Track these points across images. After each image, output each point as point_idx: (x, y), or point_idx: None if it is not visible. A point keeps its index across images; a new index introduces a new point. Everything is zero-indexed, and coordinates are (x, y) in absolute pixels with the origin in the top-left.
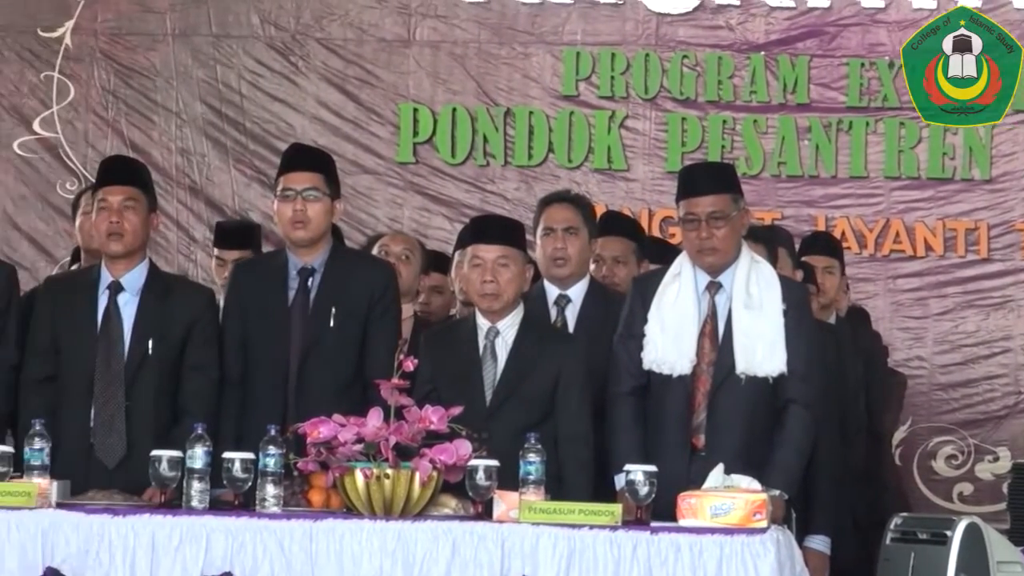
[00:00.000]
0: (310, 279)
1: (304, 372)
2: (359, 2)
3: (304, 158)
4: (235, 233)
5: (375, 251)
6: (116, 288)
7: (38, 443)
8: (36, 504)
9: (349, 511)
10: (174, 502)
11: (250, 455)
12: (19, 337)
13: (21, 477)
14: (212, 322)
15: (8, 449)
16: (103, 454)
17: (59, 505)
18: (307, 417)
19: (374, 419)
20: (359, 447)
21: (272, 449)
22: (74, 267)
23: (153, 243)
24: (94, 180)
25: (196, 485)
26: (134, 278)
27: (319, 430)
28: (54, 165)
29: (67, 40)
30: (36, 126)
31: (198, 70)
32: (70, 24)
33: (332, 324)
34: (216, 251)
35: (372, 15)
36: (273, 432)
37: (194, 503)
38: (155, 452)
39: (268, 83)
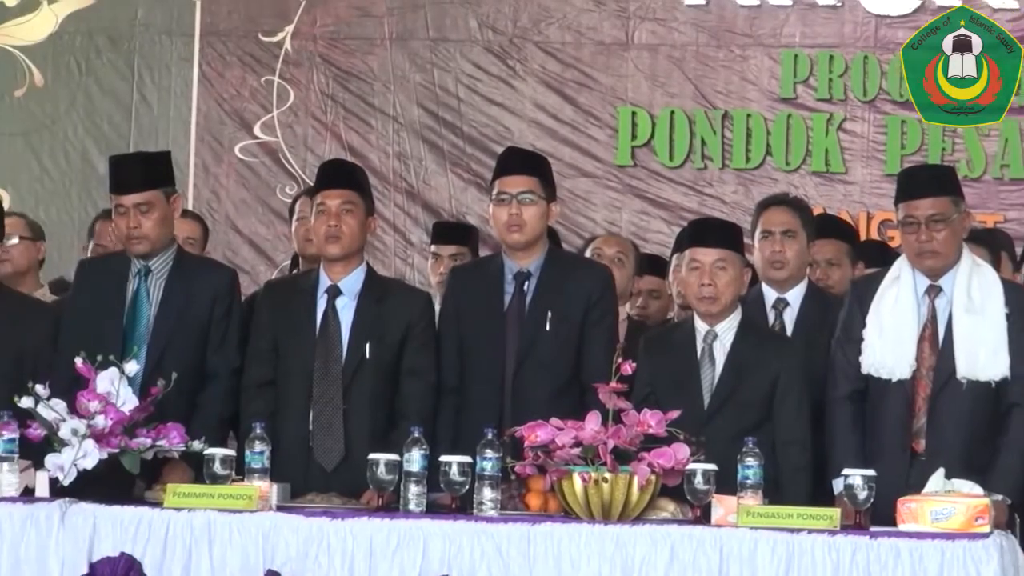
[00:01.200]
0: (526, 283)
1: (520, 376)
2: (577, 5)
3: (520, 161)
4: (452, 230)
5: (588, 253)
6: (334, 292)
7: (258, 446)
8: (257, 507)
9: (567, 515)
10: (391, 505)
11: (467, 458)
12: (240, 341)
13: (242, 480)
14: (429, 326)
15: (230, 452)
16: (321, 457)
17: (279, 508)
18: (523, 421)
19: (592, 423)
20: (577, 451)
21: (489, 452)
22: (293, 271)
23: (370, 247)
24: (312, 184)
25: (413, 488)
26: (352, 282)
27: (537, 434)
28: (274, 169)
29: (287, 45)
30: (257, 130)
31: (415, 74)
32: (290, 29)
33: (548, 328)
34: (433, 247)
35: (590, 18)
36: (490, 435)
37: (411, 506)
38: (372, 455)
39: (485, 87)
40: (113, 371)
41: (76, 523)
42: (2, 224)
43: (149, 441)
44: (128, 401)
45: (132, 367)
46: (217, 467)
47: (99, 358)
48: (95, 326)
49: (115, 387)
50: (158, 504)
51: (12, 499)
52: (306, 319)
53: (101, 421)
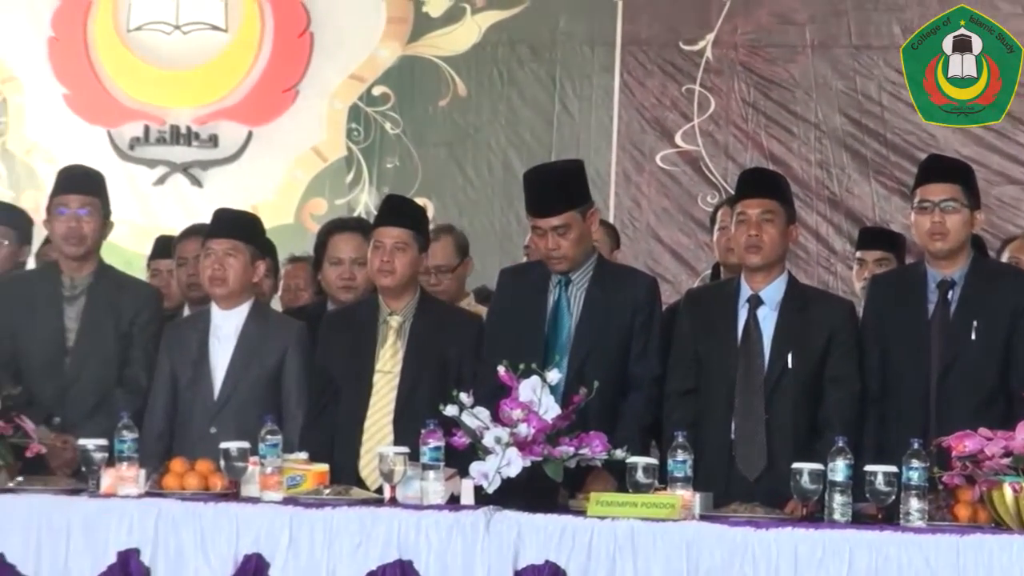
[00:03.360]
0: (950, 292)
1: (944, 386)
2: (1004, 10)
3: (942, 169)
4: (879, 235)
5: (1004, 258)
6: (756, 301)
7: (680, 455)
8: (680, 516)
9: (997, 526)
10: (815, 515)
11: (893, 468)
12: (661, 350)
13: (664, 489)
14: (852, 334)
15: (652, 460)
16: (744, 466)
17: (702, 517)
18: (948, 431)
19: (1023, 432)
20: (1007, 461)
21: (916, 463)
22: (714, 281)
23: (792, 255)
24: (733, 193)
25: (838, 498)
26: (773, 291)
27: (965, 444)
28: (695, 178)
29: (708, 53)
30: (678, 139)
31: (837, 81)
32: (711, 37)
33: (973, 338)
34: (858, 253)
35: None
36: (916, 446)
37: (836, 516)
38: (796, 465)
39: (909, 94)
40: (535, 380)
41: (501, 531)
42: (427, 233)
43: (572, 449)
44: (550, 410)
45: (554, 376)
46: (640, 476)
47: (521, 367)
48: (517, 335)
49: (537, 395)
50: (581, 513)
51: (439, 507)
52: (727, 328)
53: (524, 429)
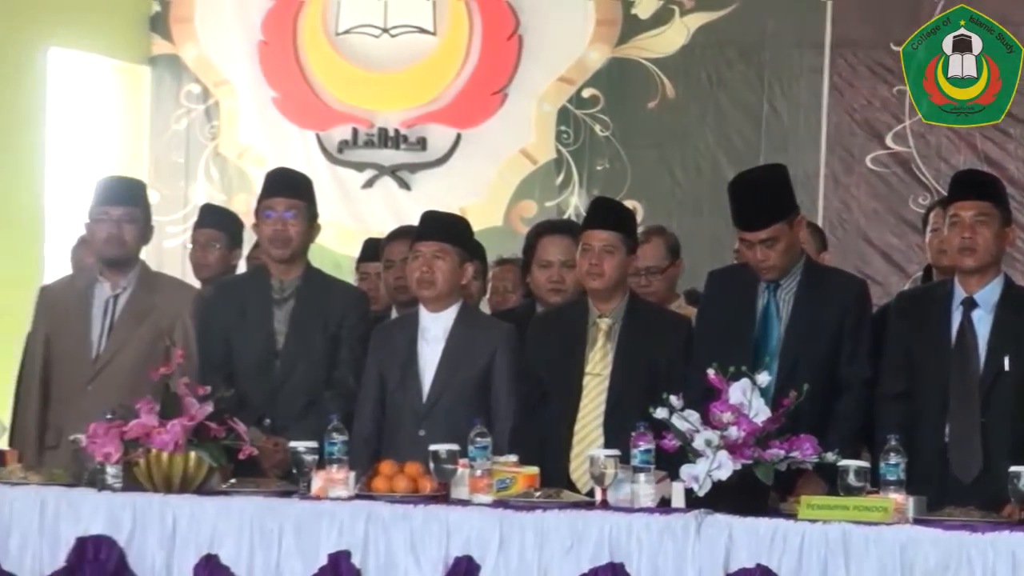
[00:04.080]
0: None
1: None
2: None
3: None
4: None
5: None
6: (970, 304)
7: (893, 458)
8: (893, 520)
9: None
10: None
11: None
12: (872, 352)
13: (876, 492)
14: None
15: (864, 464)
16: (959, 470)
17: (915, 521)
18: None
19: None
20: None
21: None
22: (923, 284)
23: (1009, 258)
24: (945, 195)
25: None
26: (988, 294)
27: None
28: (906, 180)
29: None
30: (888, 140)
31: None
32: None
33: None
34: None
35: None
36: None
37: None
38: (1013, 468)
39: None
40: (745, 382)
41: (712, 534)
42: (635, 236)
43: (782, 452)
44: (760, 412)
45: (764, 378)
46: (851, 479)
47: (731, 369)
48: (726, 338)
49: (747, 398)
50: (792, 516)
51: (650, 510)
52: (941, 331)
53: (734, 432)
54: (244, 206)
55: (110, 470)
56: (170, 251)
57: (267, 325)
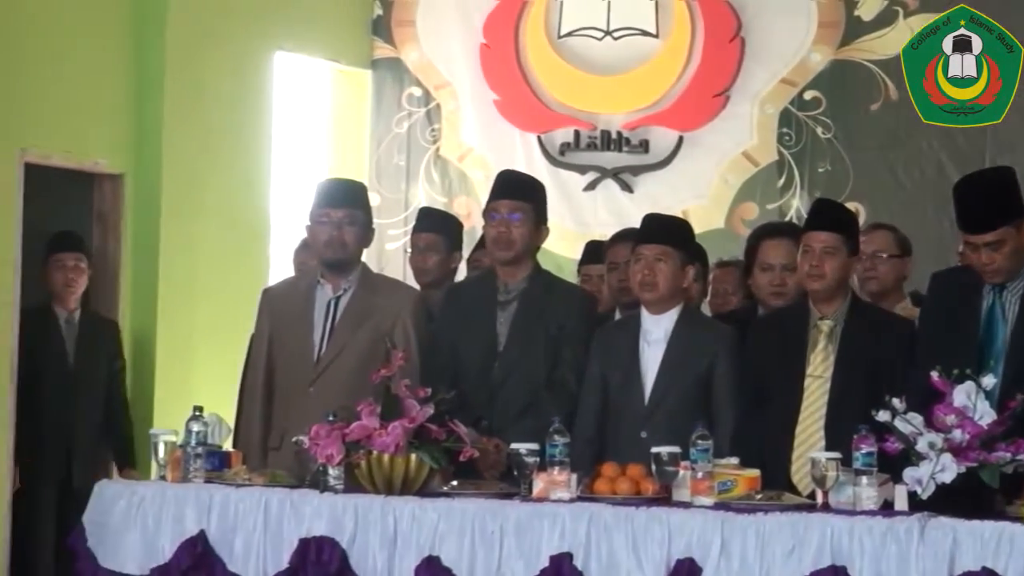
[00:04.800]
0: None
1: None
2: None
3: None
4: None
5: None
6: None
7: None
8: None
9: None
10: None
11: None
12: None
13: None
14: None
15: None
16: None
17: None
18: None
19: None
20: None
21: None
22: None
23: None
24: None
25: None
26: None
27: None
28: None
29: None
30: None
31: None
32: None
33: None
34: None
35: None
36: None
37: None
38: None
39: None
40: (970, 385)
41: (936, 537)
42: (857, 237)
43: (1008, 455)
44: (985, 415)
45: (989, 381)
46: None
47: (955, 372)
48: (949, 340)
49: (972, 401)
50: (1020, 519)
51: (872, 513)
52: None
53: (958, 435)
54: (465, 209)
55: (332, 472)
56: (391, 253)
57: (490, 327)
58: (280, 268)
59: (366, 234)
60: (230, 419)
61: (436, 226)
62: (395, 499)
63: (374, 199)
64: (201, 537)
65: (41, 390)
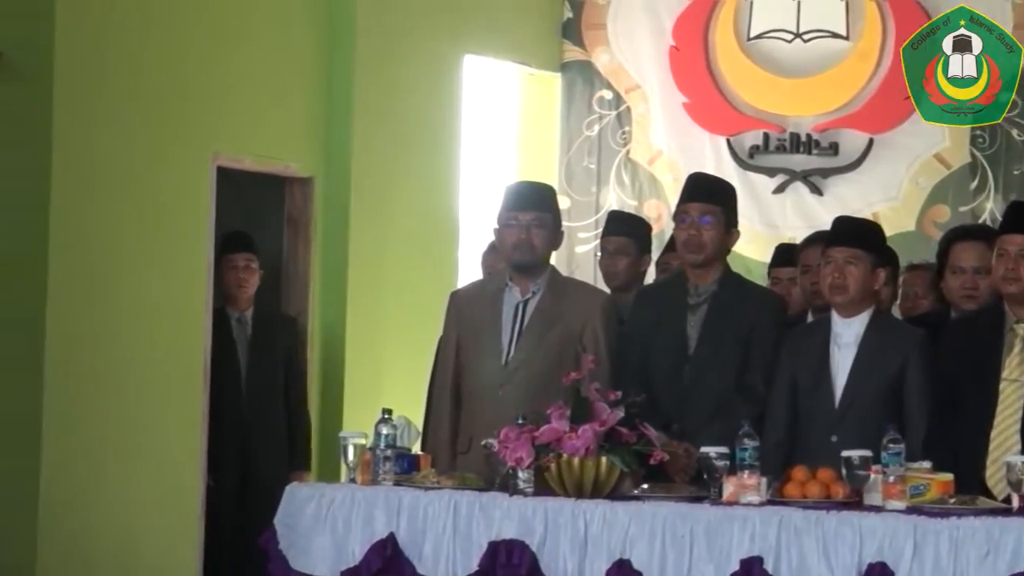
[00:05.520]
0: None
1: None
2: None
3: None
4: None
5: None
6: None
7: None
8: None
9: None
10: None
11: None
12: None
13: None
14: None
15: None
16: None
17: None
18: None
19: None
20: None
21: None
22: None
23: None
24: None
25: None
26: None
27: None
28: None
29: None
30: None
31: None
32: None
33: None
34: None
35: None
36: None
37: None
38: None
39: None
40: None
41: None
42: None
43: None
44: None
45: None
46: None
47: None
48: None
49: None
50: None
51: None
52: None
53: None
54: (655, 212)
55: (521, 475)
56: (582, 257)
57: (680, 330)
58: (468, 271)
59: (554, 237)
60: (418, 422)
61: (625, 229)
62: (585, 502)
63: (564, 202)
64: (391, 540)
65: (218, 391)
